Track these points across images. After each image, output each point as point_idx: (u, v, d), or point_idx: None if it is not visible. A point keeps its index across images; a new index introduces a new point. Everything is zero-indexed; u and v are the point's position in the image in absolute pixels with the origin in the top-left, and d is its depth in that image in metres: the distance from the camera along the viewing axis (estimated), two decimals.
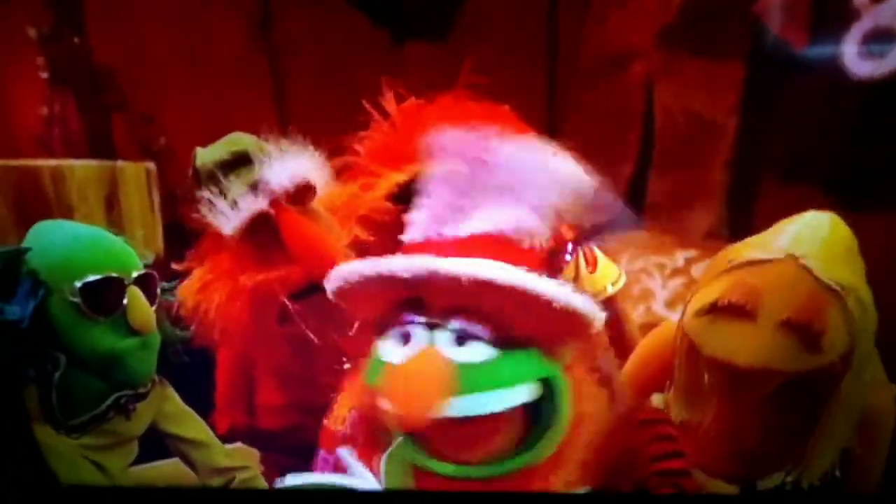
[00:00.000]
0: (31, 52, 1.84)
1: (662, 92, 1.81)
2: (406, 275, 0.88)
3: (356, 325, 1.42)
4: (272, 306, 1.42)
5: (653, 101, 1.82)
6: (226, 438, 1.44)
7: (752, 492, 1.22)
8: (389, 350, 0.93)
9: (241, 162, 1.42)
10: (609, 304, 1.47)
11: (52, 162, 1.76)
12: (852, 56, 1.62)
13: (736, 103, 1.76)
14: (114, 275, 1.17)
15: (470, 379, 0.89)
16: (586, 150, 1.37)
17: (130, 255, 1.23)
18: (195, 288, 1.43)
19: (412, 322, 0.92)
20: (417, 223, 0.97)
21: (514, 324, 0.91)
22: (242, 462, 1.41)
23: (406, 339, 0.92)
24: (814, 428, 1.18)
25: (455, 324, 0.90)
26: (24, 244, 1.17)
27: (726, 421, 1.23)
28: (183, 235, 1.50)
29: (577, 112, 1.45)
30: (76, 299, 1.15)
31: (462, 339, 0.90)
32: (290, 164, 1.42)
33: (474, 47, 1.77)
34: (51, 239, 1.18)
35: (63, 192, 1.72)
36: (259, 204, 1.39)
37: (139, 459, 1.37)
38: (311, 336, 1.48)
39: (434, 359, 0.89)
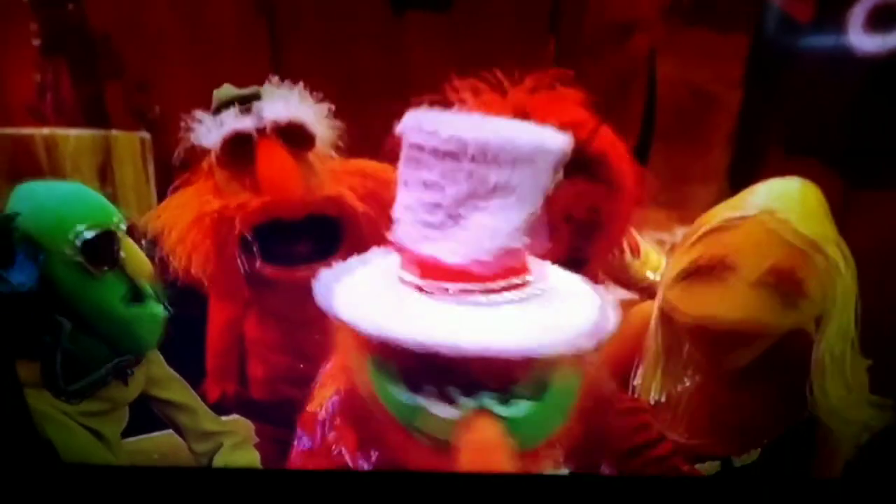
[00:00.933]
0: (24, 18, 1.81)
1: (665, 64, 1.79)
2: (450, 353, 0.86)
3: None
4: (232, 235, 1.41)
5: (655, 73, 1.79)
6: (218, 408, 1.43)
7: (730, 469, 1.23)
8: (433, 404, 0.93)
9: (250, 98, 1.43)
10: (648, 290, 1.48)
11: (46, 130, 1.74)
12: (857, 31, 1.59)
13: (740, 77, 1.74)
14: (108, 228, 1.17)
15: (522, 433, 0.92)
16: None
17: (110, 207, 1.23)
18: (162, 208, 1.44)
19: (453, 386, 0.92)
20: (404, 226, 0.94)
21: (551, 375, 0.94)
22: (228, 427, 1.42)
23: (448, 399, 0.93)
24: (792, 402, 1.18)
25: (500, 387, 0.92)
26: (10, 210, 1.15)
27: (706, 396, 1.24)
28: None
29: (579, 83, 1.42)
30: (78, 258, 1.14)
31: (507, 398, 0.92)
32: (293, 104, 1.42)
33: (476, 17, 1.75)
34: (36, 201, 1.18)
35: (56, 161, 1.70)
36: (244, 122, 1.39)
37: (135, 431, 1.38)
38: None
39: (492, 426, 0.91)
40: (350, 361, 0.99)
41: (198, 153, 1.46)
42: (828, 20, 1.64)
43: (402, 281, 0.94)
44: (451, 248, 0.88)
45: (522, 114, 1.34)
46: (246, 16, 1.89)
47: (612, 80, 1.66)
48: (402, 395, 0.93)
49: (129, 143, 1.83)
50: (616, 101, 1.65)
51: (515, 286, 0.91)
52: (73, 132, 1.77)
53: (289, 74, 1.78)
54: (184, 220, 1.40)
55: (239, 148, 1.40)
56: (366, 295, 0.93)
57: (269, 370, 1.52)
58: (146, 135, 1.87)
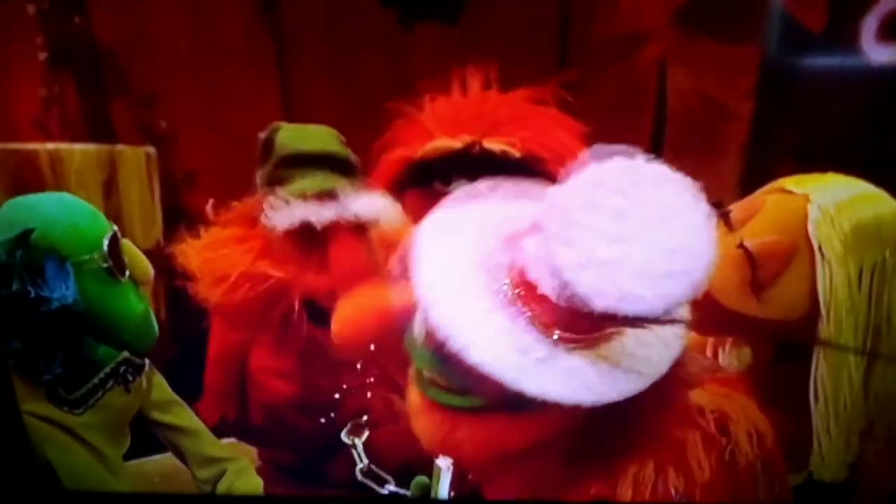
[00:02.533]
0: (30, 31, 1.81)
1: (676, 74, 1.77)
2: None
3: None
4: (282, 303, 1.39)
5: (666, 83, 1.78)
6: (217, 431, 1.42)
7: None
8: None
9: (324, 162, 1.37)
10: None
11: (51, 146, 1.74)
12: (870, 41, 1.58)
13: (751, 87, 1.72)
14: (115, 232, 1.18)
15: None
16: (597, 133, 1.35)
17: (101, 214, 1.23)
18: (205, 247, 1.40)
19: None
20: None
21: None
22: (232, 453, 1.40)
23: None
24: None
25: None
26: (8, 226, 1.13)
27: None
28: (183, 221, 1.47)
29: (588, 94, 1.41)
30: (107, 263, 1.14)
31: None
32: (372, 200, 1.38)
33: (485, 29, 1.74)
34: (41, 214, 1.17)
35: (62, 176, 1.70)
36: (325, 215, 1.34)
37: (135, 454, 1.37)
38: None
39: None
40: None
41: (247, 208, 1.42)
42: (840, 30, 1.63)
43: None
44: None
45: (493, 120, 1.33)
46: (252, 30, 1.89)
47: (621, 91, 1.65)
48: None
49: (135, 158, 1.83)
50: (625, 112, 1.63)
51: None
52: (78, 147, 1.77)
53: (295, 88, 1.79)
54: (223, 271, 1.36)
55: (313, 231, 1.36)
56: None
57: (275, 397, 1.49)
58: (152, 150, 1.87)
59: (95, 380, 1.21)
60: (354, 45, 1.92)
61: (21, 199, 1.21)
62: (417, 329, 0.89)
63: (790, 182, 1.17)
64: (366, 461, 1.29)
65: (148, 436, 1.37)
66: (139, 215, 1.80)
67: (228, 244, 1.41)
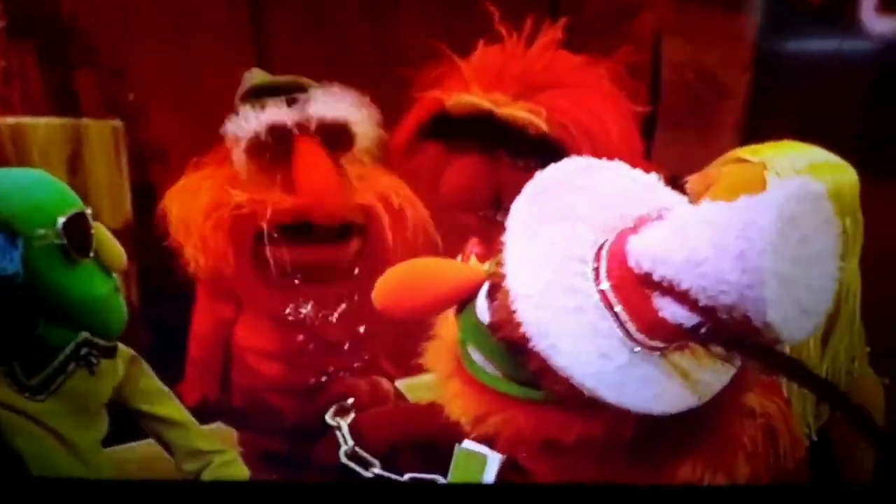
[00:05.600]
0: None
1: (671, 46, 1.75)
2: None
3: None
4: (250, 230, 1.38)
5: (660, 55, 1.76)
6: (197, 413, 1.39)
7: None
8: None
9: (292, 89, 1.39)
10: None
11: (12, 119, 1.70)
12: (869, 11, 1.56)
13: (748, 60, 1.70)
14: (82, 210, 1.15)
15: None
16: None
17: (72, 192, 1.19)
18: (180, 189, 1.40)
19: None
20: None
21: None
22: (219, 445, 1.38)
23: None
24: None
25: None
26: None
27: None
28: (151, 198, 1.44)
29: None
30: (61, 241, 1.11)
31: None
32: (337, 102, 1.39)
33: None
34: (2, 187, 1.14)
35: (24, 151, 1.67)
36: (285, 116, 1.35)
37: (114, 442, 1.34)
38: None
39: None
40: None
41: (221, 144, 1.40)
42: (839, 1, 1.61)
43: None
44: None
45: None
46: None
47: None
48: None
49: (101, 132, 1.78)
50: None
51: None
52: (41, 121, 1.72)
53: (271, 57, 1.74)
54: (196, 207, 1.36)
55: (274, 142, 1.35)
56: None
57: (258, 378, 1.49)
58: (119, 124, 1.82)
59: (55, 363, 1.20)
60: (334, 9, 1.88)
61: None
62: (482, 312, 0.87)
63: (746, 151, 1.17)
64: (351, 443, 1.27)
65: (124, 422, 1.34)
66: (106, 193, 1.76)
67: (200, 182, 1.40)
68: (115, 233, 1.26)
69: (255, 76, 1.43)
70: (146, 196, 1.60)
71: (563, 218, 0.85)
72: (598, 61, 1.35)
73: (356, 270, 1.46)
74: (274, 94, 1.39)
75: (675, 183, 1.13)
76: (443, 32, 1.44)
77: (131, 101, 1.87)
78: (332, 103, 1.38)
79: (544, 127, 1.27)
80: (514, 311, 0.79)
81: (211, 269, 1.38)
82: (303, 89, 1.40)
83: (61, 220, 1.13)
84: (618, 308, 0.79)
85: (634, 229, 0.81)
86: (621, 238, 0.82)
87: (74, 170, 1.72)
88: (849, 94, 1.61)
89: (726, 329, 0.75)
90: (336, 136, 1.39)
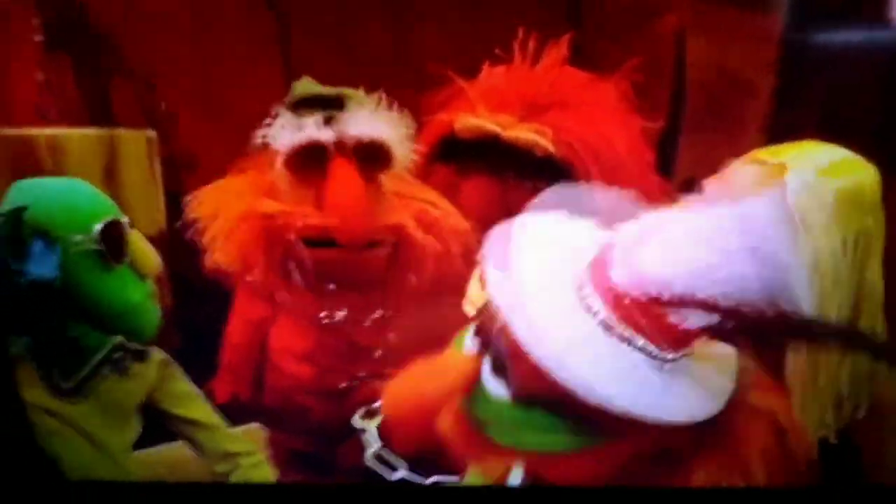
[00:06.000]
0: (26, 13, 1.81)
1: (695, 46, 1.75)
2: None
3: None
4: (280, 239, 1.40)
5: (684, 55, 1.76)
6: (227, 411, 1.42)
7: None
8: None
9: (333, 103, 1.40)
10: None
11: (49, 131, 1.74)
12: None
13: (773, 59, 1.69)
14: (118, 218, 1.19)
15: None
16: None
17: (110, 201, 1.25)
18: (209, 191, 1.42)
19: None
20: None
21: None
22: (248, 447, 1.41)
23: None
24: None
25: None
26: (11, 205, 1.16)
27: None
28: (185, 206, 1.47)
29: (605, 66, 1.39)
30: (97, 246, 1.16)
31: None
32: (376, 121, 1.39)
33: (493, 4, 1.72)
34: (43, 195, 1.20)
35: (61, 162, 1.71)
36: (323, 135, 1.36)
37: (145, 444, 1.37)
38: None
39: None
40: None
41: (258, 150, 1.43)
42: None
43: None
44: None
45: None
46: (253, 6, 1.88)
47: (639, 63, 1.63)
48: None
49: (136, 142, 1.83)
50: (643, 85, 1.61)
51: None
52: (77, 132, 1.77)
53: (296, 69, 1.77)
54: (233, 210, 1.38)
55: (312, 157, 1.38)
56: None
57: (291, 380, 1.51)
58: (152, 133, 1.86)
59: (89, 366, 1.23)
60: (359, 19, 1.91)
61: (30, 180, 1.25)
62: (496, 389, 0.89)
63: (765, 153, 1.16)
64: (378, 445, 1.29)
65: (154, 425, 1.37)
66: (141, 201, 1.80)
67: (238, 186, 1.43)
68: (150, 240, 1.30)
69: (303, 85, 1.44)
70: (179, 204, 1.64)
71: (562, 247, 0.89)
72: (604, 78, 1.37)
73: (388, 280, 1.47)
74: (318, 106, 1.40)
75: (692, 185, 1.14)
76: (452, 52, 1.46)
77: (164, 112, 1.90)
78: (370, 122, 1.39)
79: (550, 147, 1.31)
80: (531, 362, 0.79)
81: (238, 272, 1.41)
82: (343, 104, 1.41)
83: (97, 226, 1.17)
84: (627, 332, 0.81)
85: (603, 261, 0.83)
86: (598, 269, 0.83)
87: (110, 179, 1.76)
88: (874, 92, 1.59)
89: (753, 320, 0.76)
90: (375, 155, 1.40)
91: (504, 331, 0.84)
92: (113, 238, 1.19)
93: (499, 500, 1.04)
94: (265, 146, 1.41)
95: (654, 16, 1.75)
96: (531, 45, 1.42)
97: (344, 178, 1.37)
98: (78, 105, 1.86)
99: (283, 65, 1.92)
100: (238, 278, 1.45)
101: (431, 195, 1.49)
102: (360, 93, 1.43)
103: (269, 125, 1.40)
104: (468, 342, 0.94)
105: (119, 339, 1.26)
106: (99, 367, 1.24)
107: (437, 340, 1.31)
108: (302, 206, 1.39)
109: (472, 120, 1.35)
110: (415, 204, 1.47)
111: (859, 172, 1.13)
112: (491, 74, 1.41)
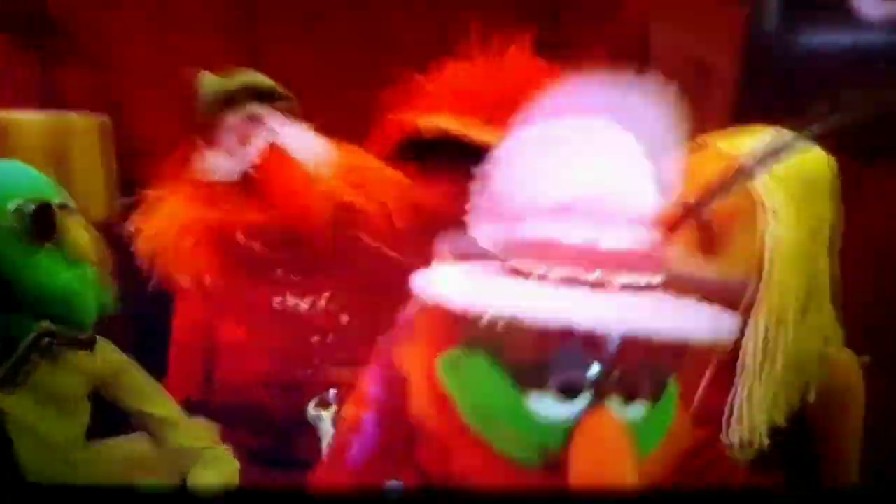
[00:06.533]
0: None
1: (660, 33, 1.74)
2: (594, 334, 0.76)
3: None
4: (233, 247, 1.40)
5: (650, 43, 1.75)
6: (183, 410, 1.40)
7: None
8: (545, 404, 0.80)
9: (248, 95, 1.42)
10: None
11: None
12: None
13: (738, 48, 1.69)
14: (46, 201, 1.18)
15: (639, 440, 0.82)
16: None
17: (50, 183, 1.23)
18: (148, 217, 1.41)
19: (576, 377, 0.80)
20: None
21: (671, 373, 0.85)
22: (210, 442, 1.39)
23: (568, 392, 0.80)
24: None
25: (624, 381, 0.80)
26: None
27: None
28: (139, 193, 1.45)
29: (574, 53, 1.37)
30: (18, 225, 1.14)
31: (631, 397, 0.81)
32: (304, 132, 1.44)
33: None
34: None
35: (9, 147, 1.67)
36: (257, 146, 1.38)
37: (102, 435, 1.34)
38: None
39: (616, 426, 0.79)
40: (412, 362, 0.91)
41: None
42: None
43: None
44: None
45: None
46: None
47: (606, 50, 1.62)
48: (504, 392, 0.81)
49: (88, 128, 1.79)
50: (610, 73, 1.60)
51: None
52: (26, 115, 1.73)
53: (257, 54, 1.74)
54: (176, 224, 1.39)
55: (248, 172, 1.40)
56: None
57: (243, 375, 1.49)
58: (106, 119, 1.83)
59: (18, 353, 1.20)
60: (324, 6, 1.89)
61: None
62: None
63: (713, 138, 1.15)
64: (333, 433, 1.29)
65: (110, 417, 1.35)
66: (91, 187, 1.77)
67: (171, 207, 1.43)
68: (101, 227, 1.27)
69: (208, 83, 1.45)
70: (133, 191, 1.61)
71: None
72: (569, 70, 1.36)
73: (335, 253, 1.46)
74: (232, 104, 1.42)
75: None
76: (417, 44, 1.46)
77: (118, 97, 1.87)
78: (298, 135, 1.43)
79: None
80: None
81: (190, 281, 1.41)
82: (256, 91, 1.44)
83: (13, 204, 1.15)
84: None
85: None
86: None
87: (59, 163, 1.72)
88: (841, 81, 1.60)
89: None
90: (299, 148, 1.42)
91: None
92: (38, 219, 1.17)
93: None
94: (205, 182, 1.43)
95: (620, 4, 1.75)
96: (495, 40, 1.42)
97: (281, 168, 1.39)
98: (28, 88, 1.83)
99: (247, 49, 1.90)
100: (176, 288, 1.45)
101: (356, 157, 1.49)
102: (273, 84, 1.46)
103: (199, 162, 1.43)
104: None
105: (46, 325, 1.23)
106: (27, 355, 1.22)
107: (389, 320, 1.32)
108: (246, 207, 1.40)
109: (437, 121, 1.36)
110: (343, 170, 1.47)
111: (819, 159, 1.13)
112: (455, 72, 1.41)
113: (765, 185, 1.09)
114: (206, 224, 1.39)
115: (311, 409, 1.34)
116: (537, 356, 0.79)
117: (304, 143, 1.42)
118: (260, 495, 1.18)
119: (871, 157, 1.50)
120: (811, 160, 1.13)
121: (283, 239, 1.40)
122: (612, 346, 0.76)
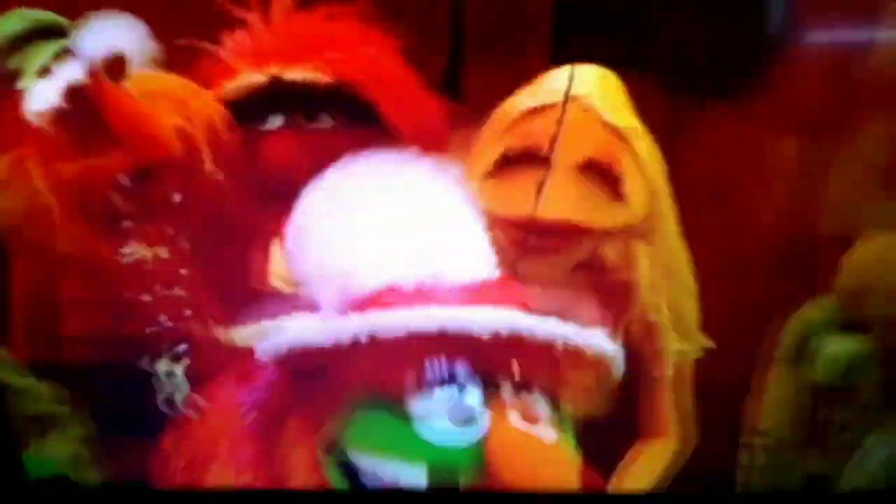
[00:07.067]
0: None
1: None
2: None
3: None
4: (98, 197, 1.32)
5: None
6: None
7: None
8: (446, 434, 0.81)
9: (44, 34, 1.29)
10: None
11: None
12: None
13: None
14: None
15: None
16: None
17: None
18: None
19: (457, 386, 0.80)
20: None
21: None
22: (62, 409, 1.33)
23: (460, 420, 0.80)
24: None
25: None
26: None
27: None
28: None
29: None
30: None
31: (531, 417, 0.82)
32: (106, 32, 1.29)
33: None
34: None
35: None
36: (77, 73, 1.25)
37: None
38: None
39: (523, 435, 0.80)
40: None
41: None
42: None
43: None
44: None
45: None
46: None
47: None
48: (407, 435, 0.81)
49: None
50: (424, 14, 1.59)
51: None
52: None
53: None
54: (26, 188, 1.29)
55: (74, 106, 1.25)
56: None
57: (88, 331, 1.38)
58: None
59: None
60: None
61: None
62: None
63: (528, 99, 1.18)
64: (185, 391, 1.27)
65: None
66: None
67: (18, 165, 1.33)
68: None
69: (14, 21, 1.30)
70: None
71: None
72: (343, 7, 1.37)
73: (176, 199, 1.38)
74: (25, 42, 1.28)
75: None
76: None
77: None
78: (101, 36, 1.28)
79: (327, 80, 1.31)
80: None
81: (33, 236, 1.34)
82: (54, 32, 1.30)
83: None
84: None
85: None
86: None
87: None
88: (667, 13, 1.52)
89: None
90: (116, 66, 1.29)
91: None
92: None
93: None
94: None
95: None
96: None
97: (117, 100, 1.29)
98: None
99: None
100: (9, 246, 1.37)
101: (174, 81, 1.41)
102: (53, 17, 1.32)
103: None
104: None
105: None
106: None
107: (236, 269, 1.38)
108: (99, 152, 1.29)
109: (240, 79, 1.34)
110: (165, 98, 1.37)
111: (611, 78, 1.20)
112: (236, 37, 1.40)
113: (614, 115, 1.13)
114: (68, 178, 1.30)
115: (164, 364, 1.30)
116: (414, 380, 0.79)
117: (113, 45, 1.27)
118: (260, 495, 1.08)
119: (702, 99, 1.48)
120: (609, 76, 1.20)
121: (135, 178, 1.32)
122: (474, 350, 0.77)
